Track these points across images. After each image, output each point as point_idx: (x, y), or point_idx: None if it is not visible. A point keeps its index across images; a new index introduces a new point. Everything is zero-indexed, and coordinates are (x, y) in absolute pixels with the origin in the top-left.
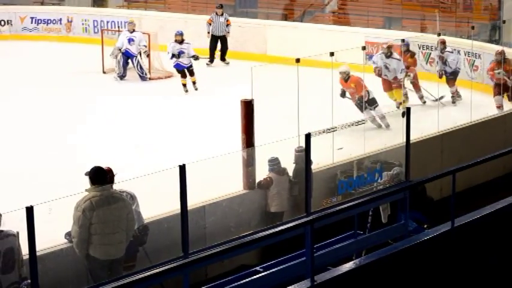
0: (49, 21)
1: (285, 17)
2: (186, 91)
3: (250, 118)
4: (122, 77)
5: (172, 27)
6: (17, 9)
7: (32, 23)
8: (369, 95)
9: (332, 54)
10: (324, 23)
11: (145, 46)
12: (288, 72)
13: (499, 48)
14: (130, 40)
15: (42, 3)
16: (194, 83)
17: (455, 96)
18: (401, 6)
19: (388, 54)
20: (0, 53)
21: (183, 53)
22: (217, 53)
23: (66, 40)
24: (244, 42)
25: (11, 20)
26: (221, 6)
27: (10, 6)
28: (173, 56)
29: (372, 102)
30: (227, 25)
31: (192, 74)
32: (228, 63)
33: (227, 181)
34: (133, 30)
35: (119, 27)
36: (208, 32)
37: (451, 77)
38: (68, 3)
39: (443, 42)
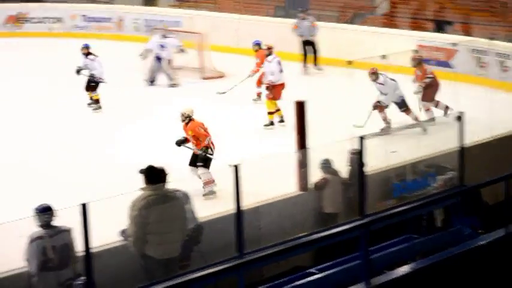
0: (100, 20)
1: (337, 19)
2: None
3: (304, 119)
4: (151, 81)
5: (223, 27)
6: (68, 7)
7: (83, 21)
8: (206, 151)
9: (384, 56)
10: (375, 26)
11: (179, 45)
12: (340, 74)
13: None
14: (161, 46)
15: (93, 2)
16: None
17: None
18: (452, 9)
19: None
20: (51, 51)
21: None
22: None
23: (116, 38)
24: (296, 43)
25: (62, 18)
26: (305, 10)
27: (62, 4)
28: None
29: (203, 160)
30: (313, 28)
31: None
32: (321, 70)
33: (281, 182)
34: (166, 36)
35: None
36: (300, 35)
37: (402, 108)
38: (119, 1)
39: (373, 73)
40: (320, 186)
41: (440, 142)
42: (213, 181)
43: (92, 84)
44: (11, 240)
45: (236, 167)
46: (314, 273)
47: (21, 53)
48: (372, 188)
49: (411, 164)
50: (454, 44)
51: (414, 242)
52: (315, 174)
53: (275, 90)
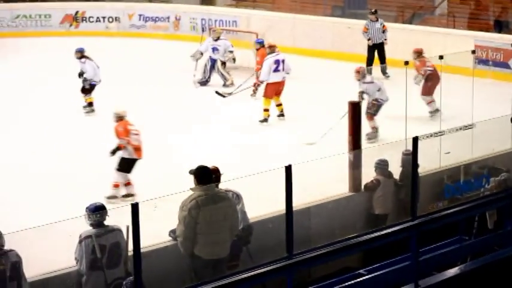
0: (157, 19)
1: (395, 19)
2: None
3: (358, 120)
4: (205, 82)
5: (280, 27)
6: (125, 6)
7: (139, 20)
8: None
9: (441, 57)
10: (433, 26)
11: (232, 52)
12: (396, 74)
13: None
14: (214, 49)
15: (150, 1)
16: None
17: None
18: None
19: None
20: (107, 50)
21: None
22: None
23: (173, 38)
24: (353, 43)
25: (119, 17)
26: (375, 12)
27: (119, 3)
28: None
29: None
30: (383, 31)
31: None
32: (388, 77)
33: (333, 183)
34: (218, 38)
35: (226, 26)
36: (369, 39)
37: (369, 110)
38: (176, 1)
39: (358, 72)
40: (370, 187)
41: (494, 143)
42: (118, 186)
43: (86, 88)
44: (62, 239)
45: (288, 167)
46: (363, 275)
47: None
48: (423, 189)
49: (464, 165)
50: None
51: (465, 244)
52: (370, 176)
53: (267, 88)
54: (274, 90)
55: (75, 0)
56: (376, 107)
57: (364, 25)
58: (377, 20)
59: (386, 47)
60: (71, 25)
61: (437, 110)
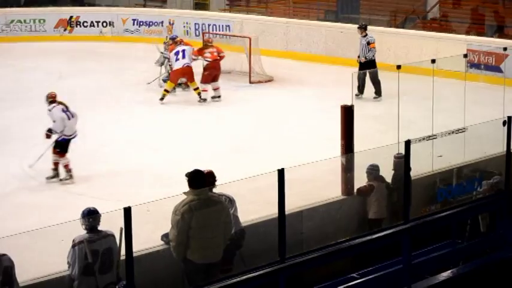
0: (151, 24)
1: (388, 23)
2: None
3: (350, 124)
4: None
5: (273, 32)
6: (119, 10)
7: (133, 24)
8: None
9: (433, 61)
10: (425, 30)
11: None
12: (388, 79)
13: None
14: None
15: (144, 6)
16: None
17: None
18: (504, 14)
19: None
20: (102, 54)
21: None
22: None
23: None
24: (345, 47)
25: (113, 22)
26: (362, 26)
27: (113, 7)
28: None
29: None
30: (369, 49)
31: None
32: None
33: (325, 186)
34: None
35: (220, 30)
36: (358, 56)
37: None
38: (170, 6)
39: None
40: (364, 192)
41: (486, 147)
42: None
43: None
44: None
45: (280, 171)
46: (355, 278)
47: (71, 57)
48: (416, 193)
49: (456, 168)
50: (505, 49)
51: (457, 247)
52: (362, 180)
53: (171, 74)
54: (178, 75)
55: (70, 5)
56: None
57: None
58: (365, 36)
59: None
60: (65, 30)
61: (218, 97)
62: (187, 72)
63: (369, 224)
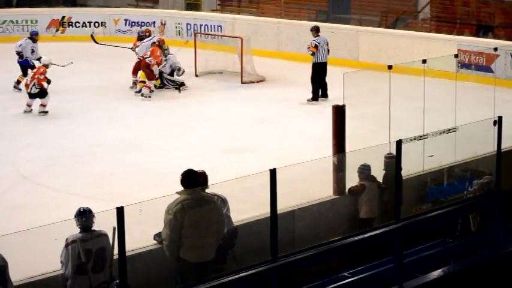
0: (143, 24)
1: (379, 24)
2: None
3: (342, 124)
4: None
5: (265, 32)
6: (111, 11)
7: (125, 25)
8: None
9: (424, 61)
10: (416, 30)
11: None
12: (380, 79)
13: None
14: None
15: (136, 6)
16: None
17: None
18: (494, 14)
19: None
20: (94, 55)
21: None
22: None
23: None
24: (336, 47)
25: (105, 22)
26: (313, 29)
27: (105, 8)
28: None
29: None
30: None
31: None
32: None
33: (317, 186)
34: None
35: (211, 30)
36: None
37: None
38: (162, 6)
39: None
40: (355, 191)
41: (477, 146)
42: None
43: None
44: (48, 242)
45: (272, 171)
46: (347, 277)
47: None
48: (407, 192)
49: (447, 168)
50: (495, 49)
51: (448, 246)
52: (354, 179)
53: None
54: (136, 67)
55: (62, 6)
56: None
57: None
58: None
59: (367, 49)
60: (57, 30)
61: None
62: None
63: (360, 223)
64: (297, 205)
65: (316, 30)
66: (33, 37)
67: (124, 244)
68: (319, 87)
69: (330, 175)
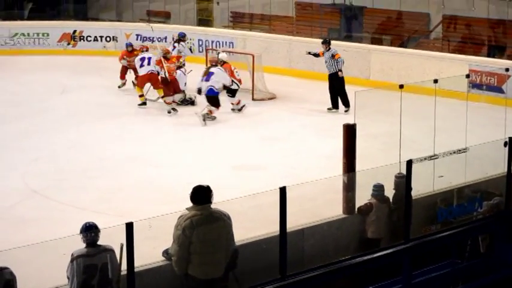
0: (154, 39)
1: (390, 42)
2: None
3: (353, 143)
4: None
5: (276, 49)
6: (123, 25)
7: (137, 40)
8: None
9: (436, 81)
10: (428, 50)
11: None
12: (391, 98)
13: None
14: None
15: (148, 21)
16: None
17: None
18: (506, 34)
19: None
20: (104, 69)
21: None
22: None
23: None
24: (348, 66)
25: (116, 37)
26: (326, 41)
27: (116, 22)
28: None
29: None
30: (337, 61)
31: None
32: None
33: (327, 205)
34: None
35: (223, 46)
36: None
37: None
38: (174, 21)
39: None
40: (363, 210)
41: (487, 167)
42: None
43: None
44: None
45: (282, 189)
46: None
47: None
48: (416, 212)
49: (457, 188)
50: (507, 69)
51: (457, 268)
52: (364, 199)
53: (138, 79)
54: (144, 81)
55: (73, 20)
56: None
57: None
58: (328, 50)
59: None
60: (68, 44)
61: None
62: (152, 78)
63: (367, 243)
64: (307, 223)
65: (329, 43)
66: (181, 38)
67: (133, 260)
68: (333, 96)
69: (340, 194)
